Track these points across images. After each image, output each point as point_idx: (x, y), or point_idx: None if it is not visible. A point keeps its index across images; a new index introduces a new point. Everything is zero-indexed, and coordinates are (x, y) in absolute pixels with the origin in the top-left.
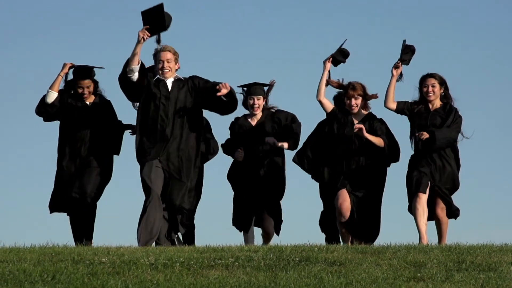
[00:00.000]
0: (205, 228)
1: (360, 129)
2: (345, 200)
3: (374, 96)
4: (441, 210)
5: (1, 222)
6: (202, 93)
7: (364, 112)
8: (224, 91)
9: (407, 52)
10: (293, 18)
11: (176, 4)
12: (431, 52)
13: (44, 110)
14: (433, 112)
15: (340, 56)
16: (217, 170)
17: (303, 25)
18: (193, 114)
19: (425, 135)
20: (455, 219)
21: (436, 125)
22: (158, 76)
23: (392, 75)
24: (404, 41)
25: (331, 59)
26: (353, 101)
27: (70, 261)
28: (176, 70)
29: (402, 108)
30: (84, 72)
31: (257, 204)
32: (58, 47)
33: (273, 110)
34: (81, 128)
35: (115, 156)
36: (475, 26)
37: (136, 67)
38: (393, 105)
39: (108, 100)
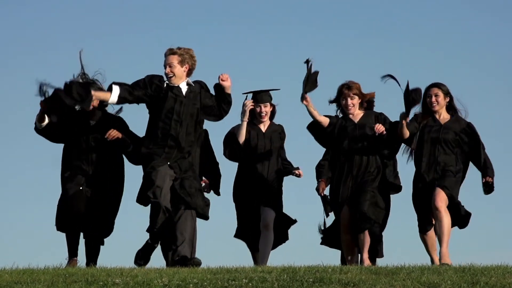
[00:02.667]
0: (216, 248)
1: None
2: (345, 218)
3: (371, 95)
4: (441, 201)
5: (14, 243)
6: (207, 109)
7: (360, 112)
8: (227, 83)
9: (413, 100)
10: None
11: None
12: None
13: (41, 134)
14: (445, 125)
15: (312, 87)
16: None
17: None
18: (201, 121)
19: (491, 180)
20: (465, 225)
21: (449, 140)
22: (171, 83)
23: (401, 123)
24: (407, 92)
25: (306, 95)
26: (349, 101)
27: (84, 282)
28: (188, 73)
29: (414, 131)
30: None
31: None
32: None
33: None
34: (86, 149)
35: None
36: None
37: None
38: (408, 134)
39: (118, 117)
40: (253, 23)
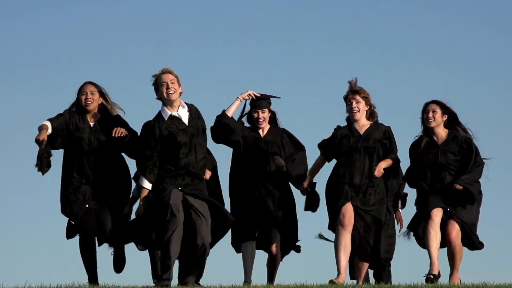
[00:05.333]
0: (227, 266)
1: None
2: (347, 210)
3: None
4: (456, 235)
5: (27, 261)
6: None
7: (369, 121)
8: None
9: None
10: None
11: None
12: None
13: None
14: (442, 147)
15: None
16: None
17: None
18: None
19: (460, 187)
20: (478, 249)
21: (449, 163)
22: (170, 113)
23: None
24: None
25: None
26: (354, 104)
27: None
28: (180, 93)
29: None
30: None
31: (262, 218)
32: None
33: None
34: (86, 156)
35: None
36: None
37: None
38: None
39: (116, 115)
40: (255, 30)
